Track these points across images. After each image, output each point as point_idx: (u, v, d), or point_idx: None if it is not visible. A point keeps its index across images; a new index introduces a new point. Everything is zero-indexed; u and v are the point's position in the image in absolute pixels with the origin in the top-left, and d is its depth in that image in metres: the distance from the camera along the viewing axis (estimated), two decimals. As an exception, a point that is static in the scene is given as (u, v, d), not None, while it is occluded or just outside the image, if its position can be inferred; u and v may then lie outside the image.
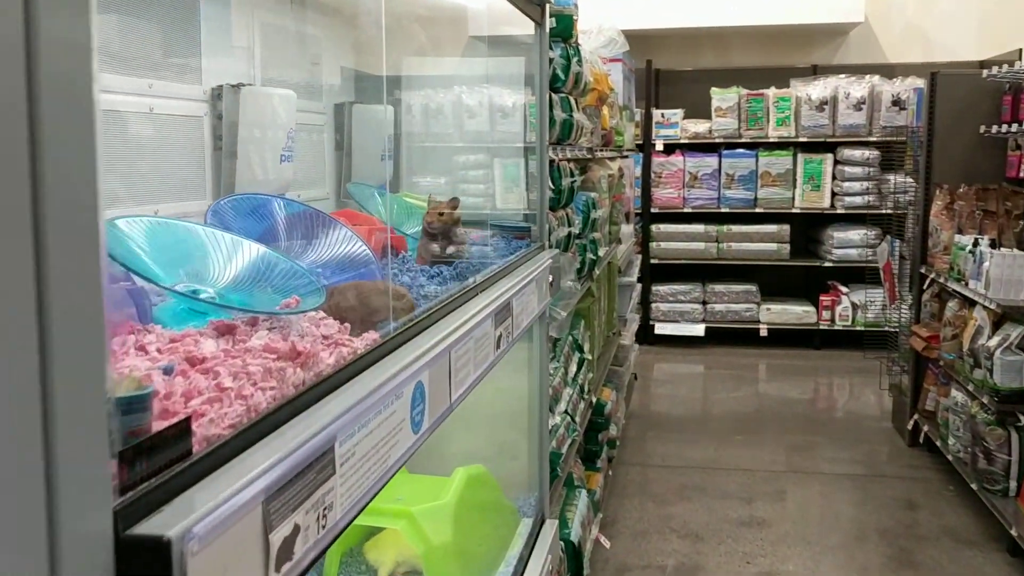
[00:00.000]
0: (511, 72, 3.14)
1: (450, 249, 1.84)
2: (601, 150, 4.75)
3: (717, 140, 9.21)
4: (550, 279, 2.40)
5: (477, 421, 2.67)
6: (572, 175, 3.46)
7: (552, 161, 3.08)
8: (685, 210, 9.32)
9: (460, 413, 2.42)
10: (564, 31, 3.34)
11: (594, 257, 4.19)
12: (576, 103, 3.57)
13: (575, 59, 3.41)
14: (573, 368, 3.88)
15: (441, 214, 1.84)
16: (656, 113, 9.35)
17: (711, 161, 9.19)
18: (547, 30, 2.65)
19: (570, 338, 4.05)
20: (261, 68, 2.17)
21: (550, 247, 2.79)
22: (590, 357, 4.16)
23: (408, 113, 3.01)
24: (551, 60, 3.10)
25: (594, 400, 4.72)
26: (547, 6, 2.59)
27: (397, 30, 2.42)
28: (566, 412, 3.62)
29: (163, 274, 1.18)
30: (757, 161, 9.06)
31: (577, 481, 4.38)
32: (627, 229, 6.62)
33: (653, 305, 9.45)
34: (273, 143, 2.03)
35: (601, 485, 5.15)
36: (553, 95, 3.20)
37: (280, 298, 1.22)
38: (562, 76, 3.28)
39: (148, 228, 1.21)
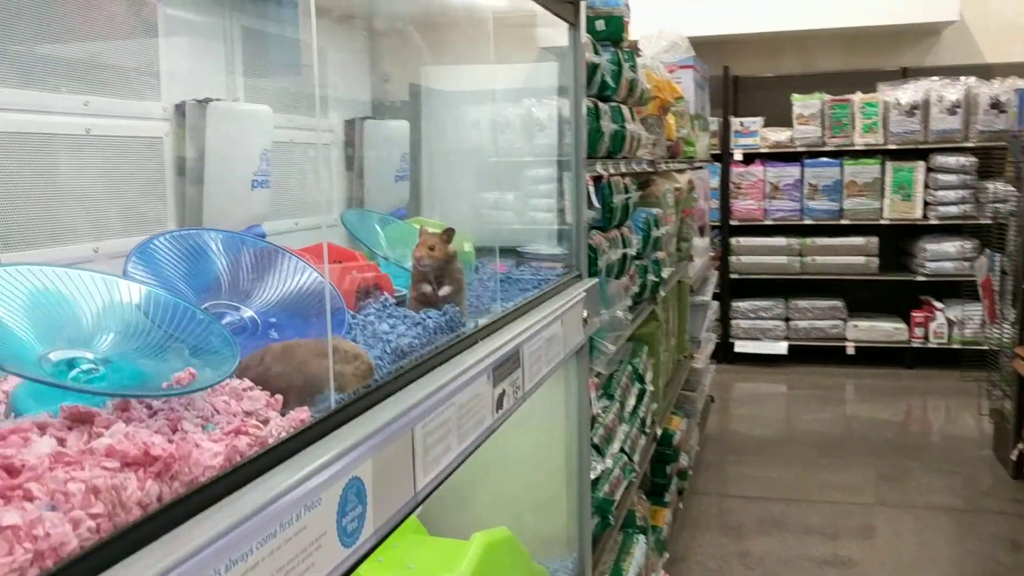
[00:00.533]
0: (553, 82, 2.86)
1: (444, 290, 1.55)
2: (666, 162, 4.42)
3: (799, 149, 8.77)
4: (584, 314, 2.11)
5: (509, 467, 2.37)
6: (627, 191, 3.14)
7: (599, 177, 2.77)
8: (766, 222, 8.91)
9: (488, 459, 2.16)
10: (613, 34, 3.03)
11: (657, 279, 3.86)
12: (631, 113, 3.25)
13: (628, 64, 3.10)
14: (632, 401, 3.56)
15: (432, 248, 1.55)
16: (734, 122, 8.97)
17: (793, 171, 8.76)
18: (582, 30, 2.35)
19: (629, 368, 3.73)
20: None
21: (593, 274, 2.48)
22: (653, 388, 3.82)
23: (435, 128, 2.74)
24: (597, 66, 2.80)
25: (659, 432, 4.38)
26: (581, 5, 2.29)
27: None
28: (621, 451, 3.30)
29: (36, 340, 0.92)
30: (842, 170, 8.60)
31: (640, 520, 4.05)
32: (701, 244, 6.26)
33: (733, 322, 9.04)
34: (244, 167, 1.80)
35: (669, 521, 4.81)
36: (602, 104, 2.89)
37: (178, 367, 0.95)
38: (612, 83, 2.98)
39: (25, 280, 0.96)
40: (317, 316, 1.30)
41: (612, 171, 3.02)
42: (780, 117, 8.94)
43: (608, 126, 2.88)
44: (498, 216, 2.82)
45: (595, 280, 2.34)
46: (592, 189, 2.69)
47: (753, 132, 8.92)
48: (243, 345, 1.10)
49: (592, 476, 2.64)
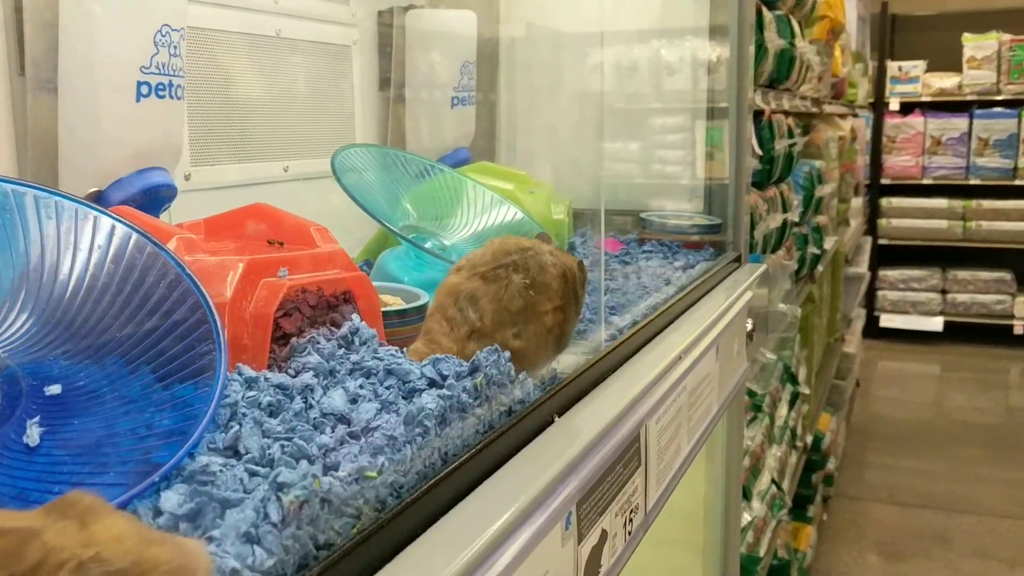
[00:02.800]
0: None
1: (516, 343, 0.81)
2: (830, 103, 3.52)
3: (968, 97, 7.68)
4: (749, 326, 1.32)
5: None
6: (790, 135, 2.30)
7: (760, 113, 1.94)
8: (923, 181, 7.91)
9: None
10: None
11: (817, 251, 3.00)
12: (800, 29, 2.39)
13: (800, -40, 2.24)
14: (783, 411, 2.74)
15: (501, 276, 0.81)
16: (891, 66, 7.92)
17: (959, 122, 7.69)
18: None
19: (779, 366, 2.90)
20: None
21: (756, 253, 1.67)
22: (807, 391, 2.99)
23: (524, 30, 1.94)
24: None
25: (809, 439, 3.54)
26: None
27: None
28: (772, 482, 2.49)
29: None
30: (1020, 122, 7.48)
31: (781, 549, 3.25)
32: (855, 205, 5.33)
33: (879, 293, 8.11)
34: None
35: (813, 541, 4.00)
36: (767, 11, 2.05)
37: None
38: (780, -17, 2.13)
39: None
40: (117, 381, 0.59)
41: (774, 106, 2.18)
42: (946, 61, 7.85)
43: (774, 41, 2.04)
44: (611, 168, 2.02)
45: (761, 267, 1.53)
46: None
47: (913, 78, 7.88)
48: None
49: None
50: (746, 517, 2.23)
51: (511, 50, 1.88)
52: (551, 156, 1.87)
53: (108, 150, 0.95)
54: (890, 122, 7.96)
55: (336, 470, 0.59)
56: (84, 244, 0.66)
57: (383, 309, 1.01)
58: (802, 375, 3.21)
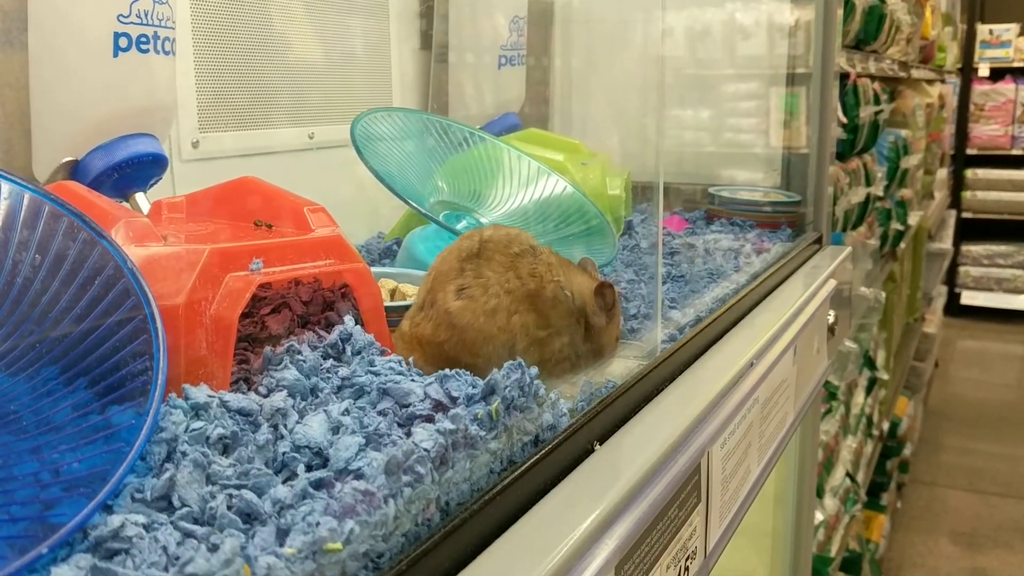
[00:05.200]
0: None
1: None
2: (918, 67, 3.27)
3: (1064, 62, 7.24)
4: (831, 319, 1.15)
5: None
6: (877, 101, 2.09)
7: (845, 77, 1.75)
8: (1013, 152, 7.49)
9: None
10: None
11: (901, 227, 2.78)
12: (891, -16, 2.17)
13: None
14: (859, 399, 2.54)
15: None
16: (982, 29, 7.50)
17: (1053, 90, 7.27)
18: None
19: (855, 349, 2.70)
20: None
21: (837, 232, 1.49)
22: (885, 376, 2.78)
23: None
24: None
25: (886, 426, 3.33)
26: None
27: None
28: (846, 475, 2.31)
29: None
30: (1118, 89, 7.04)
31: (852, 541, 3.06)
32: (940, 177, 5.04)
33: (961, 269, 7.75)
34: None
35: (887, 532, 3.79)
36: (854, -37, 1.85)
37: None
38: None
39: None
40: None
41: (860, 70, 1.98)
42: (1042, 23, 7.41)
43: (863, -3, 1.83)
44: (678, 137, 1.83)
45: (846, 250, 1.35)
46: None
47: (1005, 42, 7.47)
48: None
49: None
50: (818, 516, 2.06)
51: (567, 5, 1.71)
52: (610, 124, 1.70)
53: (83, 113, 0.82)
54: (978, 89, 7.56)
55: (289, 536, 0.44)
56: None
57: (401, 302, 0.86)
58: (880, 359, 3.00)
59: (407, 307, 0.80)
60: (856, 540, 3.11)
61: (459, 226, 1.05)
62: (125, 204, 0.88)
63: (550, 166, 1.16)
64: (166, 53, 0.85)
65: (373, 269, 0.97)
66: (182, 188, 1.07)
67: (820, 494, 2.03)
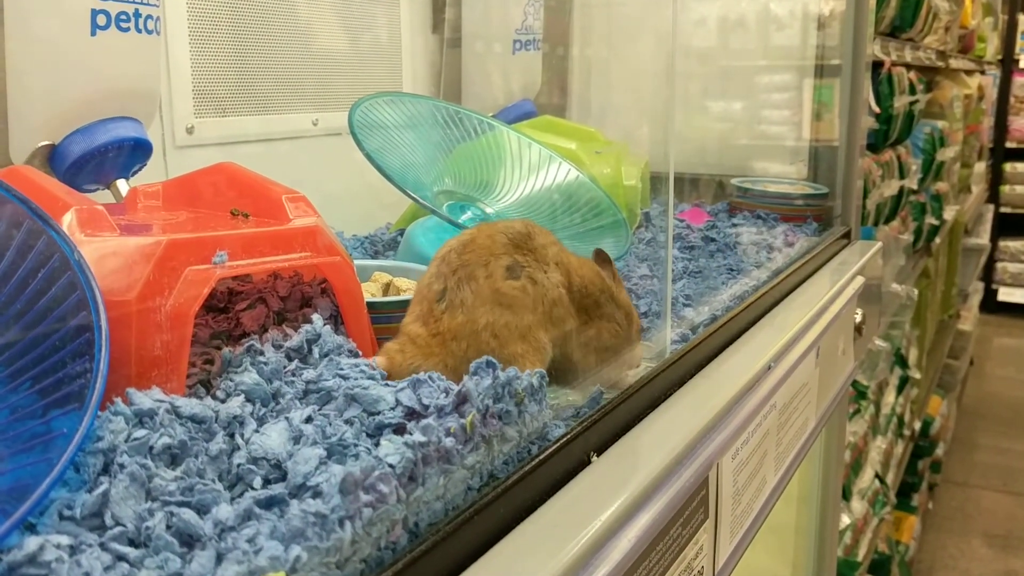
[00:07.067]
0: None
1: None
2: (956, 57, 3.18)
3: (1107, 54, 7.07)
4: (859, 317, 1.09)
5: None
6: (913, 91, 2.01)
7: (879, 65, 1.67)
8: (1053, 145, 7.32)
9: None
10: None
11: (936, 222, 2.70)
12: (928, -31, 2.09)
13: None
14: (890, 398, 2.47)
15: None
16: (1023, 20, 7.33)
17: (1096, 82, 7.10)
18: None
19: (887, 347, 2.62)
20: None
21: (868, 226, 1.42)
22: (917, 374, 2.70)
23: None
24: None
25: (917, 426, 3.25)
26: None
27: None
28: (875, 477, 2.24)
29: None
30: None
31: (881, 543, 2.99)
32: (978, 170, 4.92)
33: (998, 265, 7.61)
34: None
35: (917, 534, 3.71)
36: (889, -53, 1.77)
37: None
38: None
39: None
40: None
41: (895, 58, 1.90)
42: (1085, 13, 7.24)
43: (898, -18, 1.75)
44: (701, 127, 1.76)
45: (876, 245, 1.28)
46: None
47: (1047, 32, 7.28)
48: None
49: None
50: (844, 520, 1.99)
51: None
52: (631, 112, 1.64)
53: (59, 95, 0.78)
54: (1019, 80, 7.41)
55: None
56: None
57: (395, 298, 0.81)
58: (912, 357, 2.92)
59: (401, 302, 0.74)
60: (885, 542, 3.03)
61: (463, 218, 1.00)
62: (106, 191, 0.84)
63: (562, 154, 1.10)
64: (149, 32, 0.80)
65: (367, 262, 0.92)
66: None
67: (847, 496, 1.96)
